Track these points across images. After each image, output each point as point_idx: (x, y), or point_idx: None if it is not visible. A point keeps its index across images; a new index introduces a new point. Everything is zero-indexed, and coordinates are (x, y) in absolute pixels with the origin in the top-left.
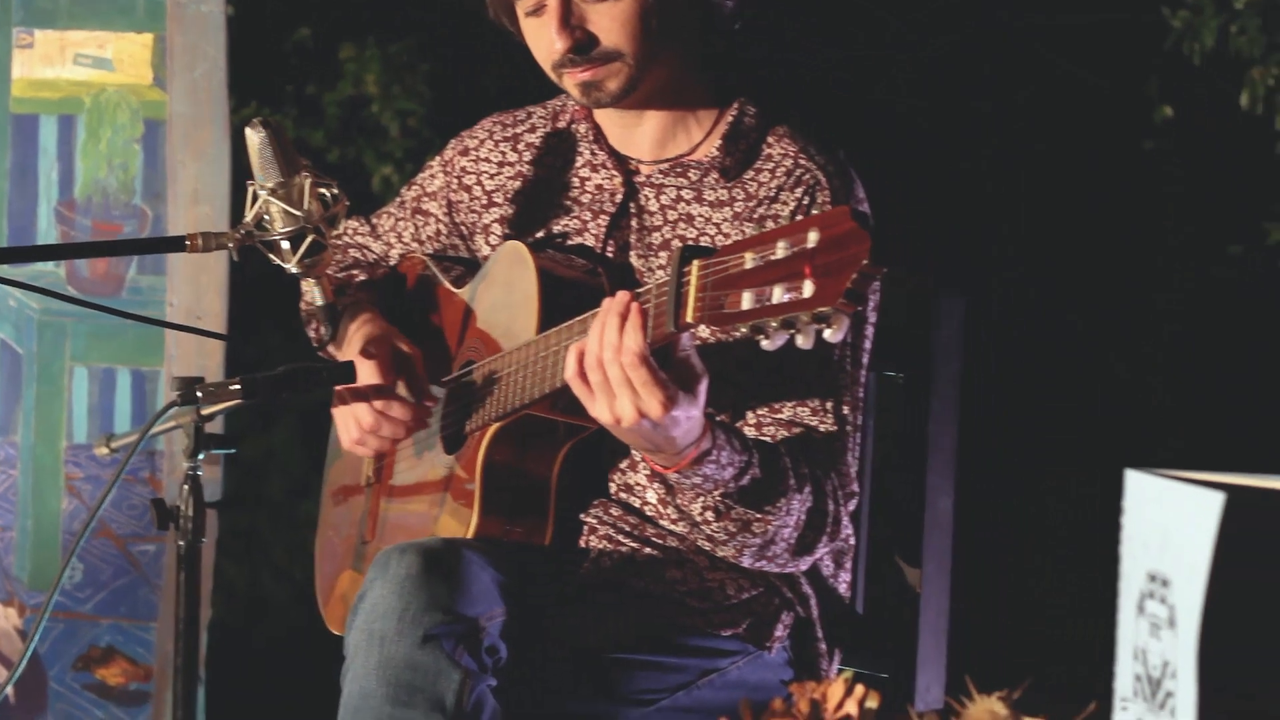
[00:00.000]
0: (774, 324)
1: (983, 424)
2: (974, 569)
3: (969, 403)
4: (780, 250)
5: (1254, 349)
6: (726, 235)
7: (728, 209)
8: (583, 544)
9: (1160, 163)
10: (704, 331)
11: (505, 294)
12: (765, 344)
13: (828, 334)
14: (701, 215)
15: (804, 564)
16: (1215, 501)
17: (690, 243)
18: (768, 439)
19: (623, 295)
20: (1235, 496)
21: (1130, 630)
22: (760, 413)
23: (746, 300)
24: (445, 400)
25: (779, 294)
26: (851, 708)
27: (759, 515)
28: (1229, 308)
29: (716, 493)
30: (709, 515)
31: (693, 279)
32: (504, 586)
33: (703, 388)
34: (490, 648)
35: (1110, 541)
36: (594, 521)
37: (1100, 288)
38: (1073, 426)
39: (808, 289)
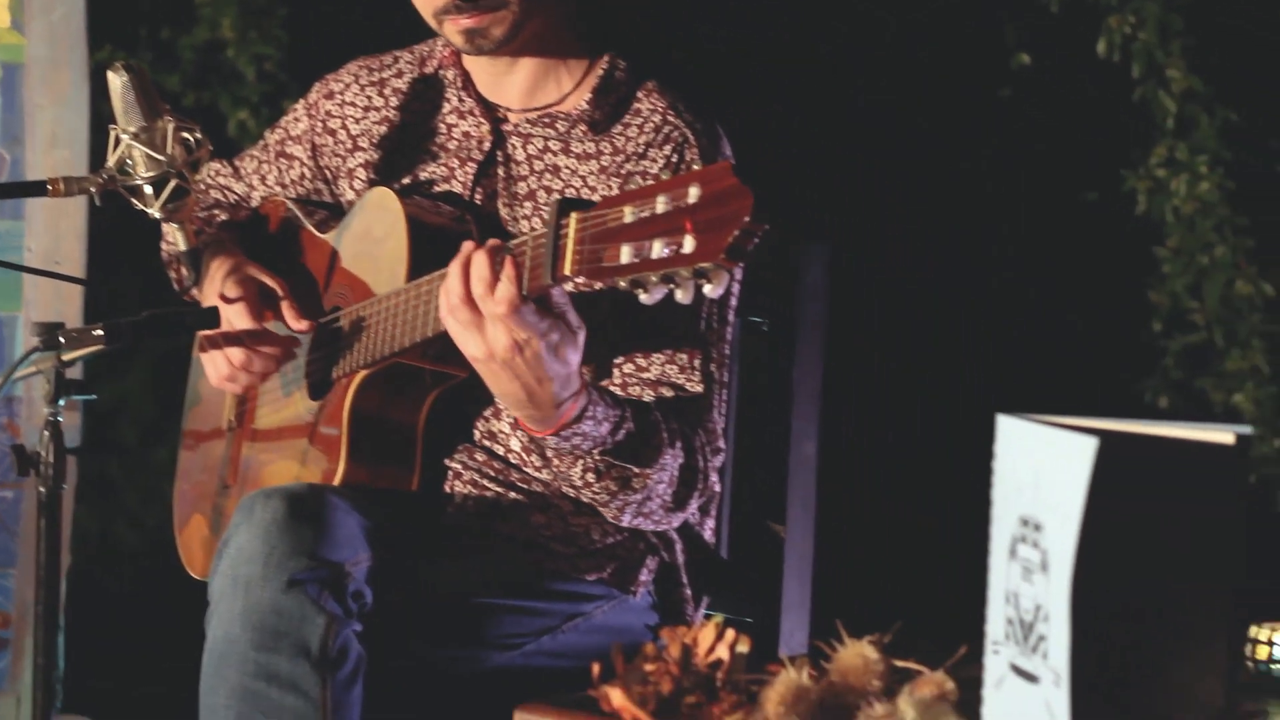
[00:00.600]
0: (654, 278)
1: (848, 369)
2: (839, 514)
3: (834, 348)
4: (660, 205)
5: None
6: (593, 189)
7: (594, 162)
8: (447, 489)
9: (1018, 110)
10: (569, 286)
11: (373, 240)
12: (644, 298)
13: (708, 289)
14: (568, 167)
15: (677, 520)
16: (1088, 446)
17: (558, 194)
18: (634, 398)
19: (492, 241)
20: (1108, 441)
21: (1002, 574)
22: (626, 371)
23: (625, 254)
24: (311, 345)
25: (659, 249)
26: (723, 652)
27: (637, 471)
28: (1087, 251)
29: (595, 451)
30: (590, 477)
31: (570, 231)
32: (370, 532)
33: (580, 339)
34: (356, 593)
35: (979, 486)
36: (459, 467)
37: (975, 230)
38: (942, 369)
39: (688, 245)
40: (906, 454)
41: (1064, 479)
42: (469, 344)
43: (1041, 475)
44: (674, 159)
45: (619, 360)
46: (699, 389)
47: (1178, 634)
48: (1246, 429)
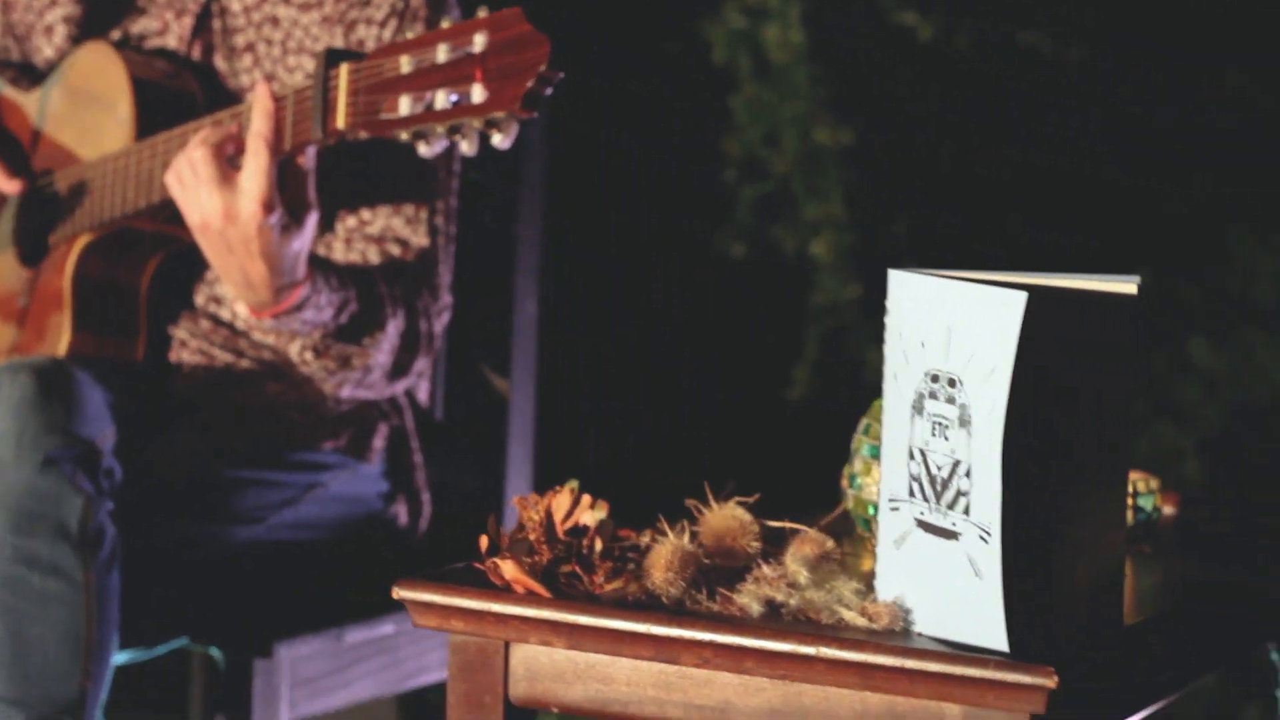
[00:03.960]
0: (439, 129)
1: (572, 226)
2: (564, 374)
3: (556, 205)
4: (442, 54)
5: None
6: (316, 38)
7: (316, 11)
8: (174, 359)
9: None
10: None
11: (89, 99)
12: (423, 150)
13: (496, 140)
14: (288, 17)
15: (401, 386)
16: (1018, 301)
17: (279, 46)
18: (357, 257)
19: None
20: (1036, 295)
21: (904, 431)
22: (350, 226)
23: (405, 105)
24: (19, 210)
25: (443, 99)
26: (587, 519)
27: (358, 348)
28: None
29: (316, 334)
30: (308, 356)
31: (341, 83)
32: (113, 406)
33: (311, 221)
34: (107, 470)
35: (700, 340)
36: (184, 335)
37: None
38: (661, 225)
39: (478, 94)
40: (632, 310)
41: (987, 334)
42: (188, 207)
43: (956, 331)
44: (399, 4)
45: (342, 213)
46: (425, 242)
47: (1090, 485)
48: (1136, 279)
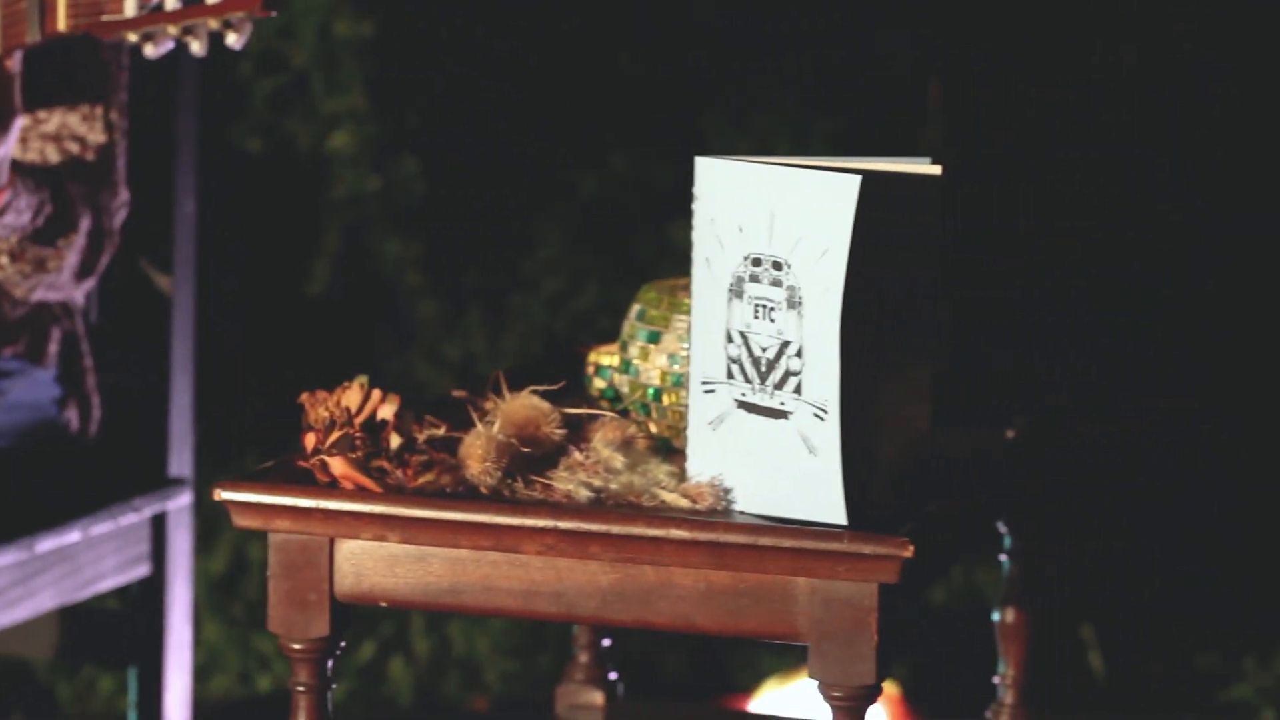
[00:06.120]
0: (171, 30)
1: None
2: (223, 272)
3: (211, 97)
4: None
5: None
6: None
7: None
8: None
9: None
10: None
11: None
12: (149, 51)
13: (231, 40)
14: None
15: (87, 286)
16: (852, 184)
17: None
18: (36, 156)
19: None
20: (868, 179)
21: (720, 315)
22: (25, 125)
23: (131, 6)
24: None
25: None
26: (385, 413)
27: (53, 250)
28: None
29: (14, 237)
30: (3, 260)
31: None
32: None
33: (16, 125)
34: None
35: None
36: None
37: None
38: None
39: None
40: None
41: (818, 217)
42: None
43: (779, 215)
44: None
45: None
46: (102, 139)
47: (905, 360)
48: (929, 159)
